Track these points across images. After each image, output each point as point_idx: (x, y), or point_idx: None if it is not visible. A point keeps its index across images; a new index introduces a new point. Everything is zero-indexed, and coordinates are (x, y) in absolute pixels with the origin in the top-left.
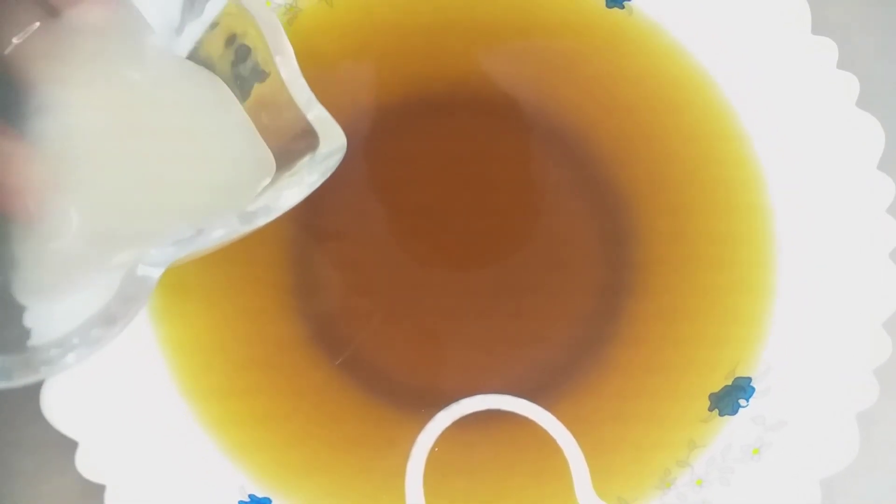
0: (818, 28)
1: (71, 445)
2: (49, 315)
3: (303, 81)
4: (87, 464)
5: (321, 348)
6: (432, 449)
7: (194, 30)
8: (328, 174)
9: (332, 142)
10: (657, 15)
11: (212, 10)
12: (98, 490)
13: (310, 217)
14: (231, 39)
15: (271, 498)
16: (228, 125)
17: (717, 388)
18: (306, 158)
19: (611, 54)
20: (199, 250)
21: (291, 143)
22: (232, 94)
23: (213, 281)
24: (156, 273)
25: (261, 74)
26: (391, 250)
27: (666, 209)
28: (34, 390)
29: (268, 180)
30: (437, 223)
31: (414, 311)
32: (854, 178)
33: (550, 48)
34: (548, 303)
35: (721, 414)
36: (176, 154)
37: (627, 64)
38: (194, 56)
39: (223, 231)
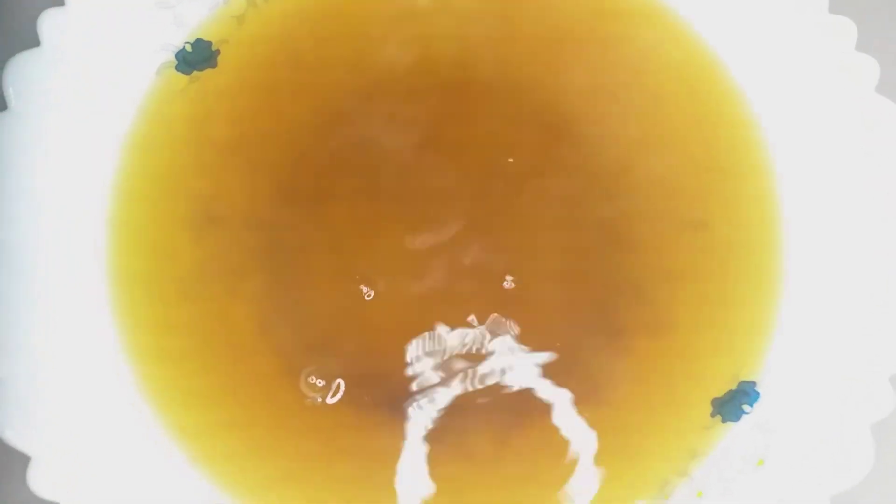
0: (836, 7)
1: (23, 460)
2: None
3: None
4: (41, 480)
5: (290, 357)
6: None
7: None
8: None
9: None
10: None
11: None
12: None
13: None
14: None
15: None
16: None
17: (720, 393)
18: None
19: (615, 38)
20: None
21: None
22: None
23: (179, 287)
24: None
25: None
26: (377, 241)
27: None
28: None
29: None
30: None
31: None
32: (873, 173)
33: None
34: (547, 310)
35: (724, 420)
36: None
37: (630, 47)
38: None
39: None
